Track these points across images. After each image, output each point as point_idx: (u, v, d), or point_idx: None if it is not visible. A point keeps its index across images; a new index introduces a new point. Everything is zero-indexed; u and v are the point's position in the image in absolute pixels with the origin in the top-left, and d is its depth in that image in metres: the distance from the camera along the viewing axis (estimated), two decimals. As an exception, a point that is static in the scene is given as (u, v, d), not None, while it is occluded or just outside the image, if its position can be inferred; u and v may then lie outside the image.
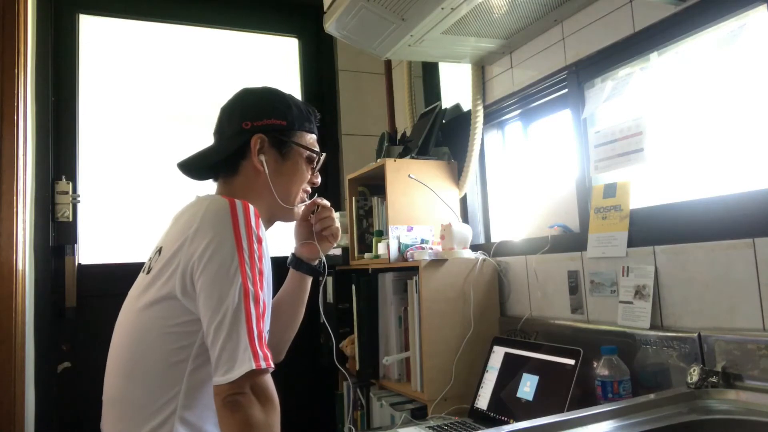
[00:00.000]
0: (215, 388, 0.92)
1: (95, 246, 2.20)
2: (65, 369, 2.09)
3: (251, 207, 1.03)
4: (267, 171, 1.16)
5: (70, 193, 2.15)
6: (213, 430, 1.02)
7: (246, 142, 1.15)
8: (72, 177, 2.17)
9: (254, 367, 0.90)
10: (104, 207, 2.23)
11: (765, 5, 1.12)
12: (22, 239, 1.94)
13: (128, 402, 1.02)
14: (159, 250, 1.08)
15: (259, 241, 1.01)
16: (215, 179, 1.23)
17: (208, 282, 0.95)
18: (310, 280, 1.35)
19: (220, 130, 1.22)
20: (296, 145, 1.20)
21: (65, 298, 2.09)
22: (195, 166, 1.22)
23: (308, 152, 1.22)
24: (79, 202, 2.17)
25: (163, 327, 1.01)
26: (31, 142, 2.03)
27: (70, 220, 2.14)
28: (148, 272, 1.08)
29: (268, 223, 1.21)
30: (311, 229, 1.34)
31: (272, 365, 0.94)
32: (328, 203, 1.34)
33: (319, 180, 1.28)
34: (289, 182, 1.20)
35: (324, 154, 1.26)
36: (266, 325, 1.01)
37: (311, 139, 1.24)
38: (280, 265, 1.36)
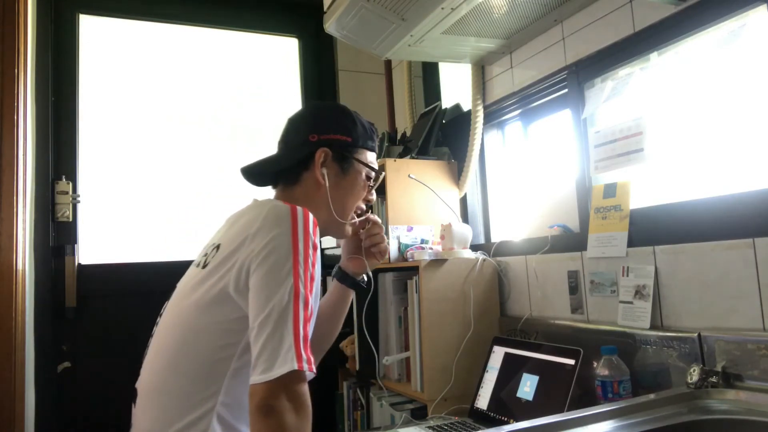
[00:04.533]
0: (251, 387, 0.90)
1: (95, 246, 2.20)
2: (65, 369, 2.08)
3: (310, 214, 1.04)
4: (327, 184, 1.18)
5: (70, 193, 2.15)
6: (246, 431, 1.02)
7: (311, 153, 1.18)
8: (72, 177, 2.17)
9: (296, 368, 0.88)
10: (104, 207, 2.23)
11: (765, 5, 1.12)
12: (22, 239, 1.93)
13: (169, 393, 1.03)
14: (216, 247, 1.09)
15: (315, 247, 1.03)
16: (274, 186, 1.25)
17: (260, 278, 0.96)
18: (351, 294, 1.37)
19: (286, 140, 1.25)
20: (357, 162, 1.23)
21: (65, 298, 2.10)
22: (258, 172, 1.25)
23: (368, 169, 1.25)
24: (79, 202, 2.17)
25: (213, 323, 1.02)
26: (31, 142, 2.03)
27: (70, 220, 2.14)
28: (203, 266, 1.09)
29: (320, 235, 1.23)
30: (359, 245, 1.35)
31: (314, 370, 0.93)
32: (379, 220, 1.36)
33: (374, 197, 1.31)
34: (346, 196, 1.23)
35: (384, 173, 1.31)
36: (311, 330, 1.01)
37: (372, 157, 1.27)
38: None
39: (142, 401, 1.09)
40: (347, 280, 1.35)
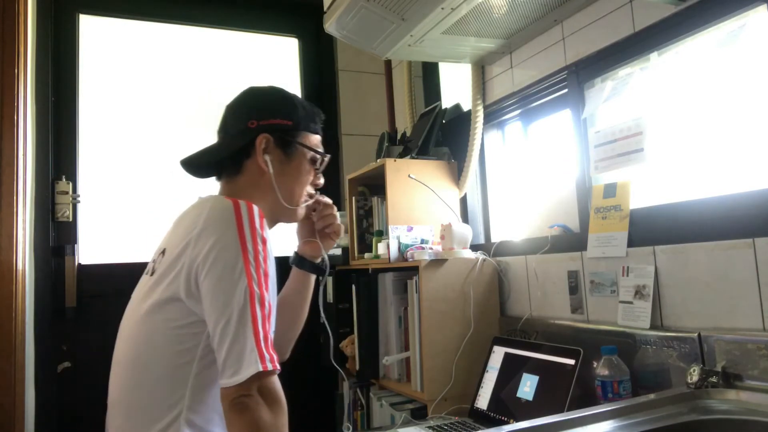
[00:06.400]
0: (222, 390, 0.92)
1: (95, 246, 2.20)
2: (65, 369, 2.08)
3: (255, 207, 1.02)
4: (271, 171, 1.15)
5: (70, 193, 2.15)
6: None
7: (251, 141, 1.15)
8: (72, 177, 2.17)
9: (261, 369, 0.90)
10: (104, 207, 2.23)
11: (765, 5, 1.12)
12: (22, 239, 1.93)
13: (134, 404, 1.02)
14: (162, 252, 1.08)
15: (264, 241, 1.00)
16: (218, 178, 1.22)
17: (212, 284, 0.95)
18: (313, 278, 1.35)
19: (225, 128, 1.21)
20: (301, 146, 1.20)
21: (65, 298, 2.09)
22: (198, 164, 1.21)
23: (312, 153, 1.22)
24: (79, 202, 2.17)
25: (168, 329, 1.00)
26: (31, 142, 2.03)
27: (70, 220, 2.14)
28: (151, 274, 1.08)
29: (271, 223, 1.20)
30: (313, 228, 1.33)
31: (278, 367, 0.94)
32: (330, 201, 1.34)
33: (322, 181, 1.28)
34: (292, 182, 1.20)
35: (329, 156, 1.26)
36: (272, 327, 1.00)
37: (316, 140, 1.24)
38: (282, 265, 1.36)
39: (112, 414, 1.08)
40: (305, 264, 1.33)
